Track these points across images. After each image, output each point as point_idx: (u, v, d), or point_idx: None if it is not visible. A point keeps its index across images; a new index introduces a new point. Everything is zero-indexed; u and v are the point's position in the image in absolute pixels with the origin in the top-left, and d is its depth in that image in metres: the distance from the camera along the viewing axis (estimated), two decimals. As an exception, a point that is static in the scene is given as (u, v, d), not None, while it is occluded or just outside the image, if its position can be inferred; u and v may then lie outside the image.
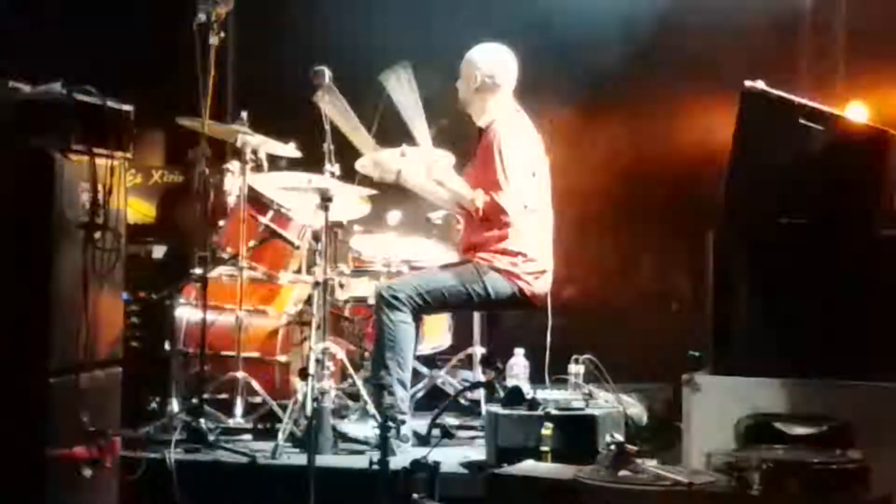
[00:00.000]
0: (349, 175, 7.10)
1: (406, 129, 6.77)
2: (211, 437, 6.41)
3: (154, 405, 7.06)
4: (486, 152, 6.70)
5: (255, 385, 6.81)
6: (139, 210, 8.71)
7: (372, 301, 6.97)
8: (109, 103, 5.36)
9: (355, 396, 6.95)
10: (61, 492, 5.13)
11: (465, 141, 7.04)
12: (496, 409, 6.13)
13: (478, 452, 6.31)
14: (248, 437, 6.72)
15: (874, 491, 4.93)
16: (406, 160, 6.69)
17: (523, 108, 6.91)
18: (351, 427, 6.62)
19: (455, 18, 8.06)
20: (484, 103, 6.86)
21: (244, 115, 7.01)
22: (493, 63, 6.86)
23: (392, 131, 6.88)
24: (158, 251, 8.55)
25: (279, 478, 6.09)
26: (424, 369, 7.36)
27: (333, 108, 6.71)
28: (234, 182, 7.12)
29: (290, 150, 7.18)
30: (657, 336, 7.95)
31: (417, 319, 6.70)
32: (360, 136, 6.85)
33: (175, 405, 6.82)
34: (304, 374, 6.33)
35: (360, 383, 6.85)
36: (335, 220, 7.11)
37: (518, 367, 6.55)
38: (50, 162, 5.08)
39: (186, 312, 7.03)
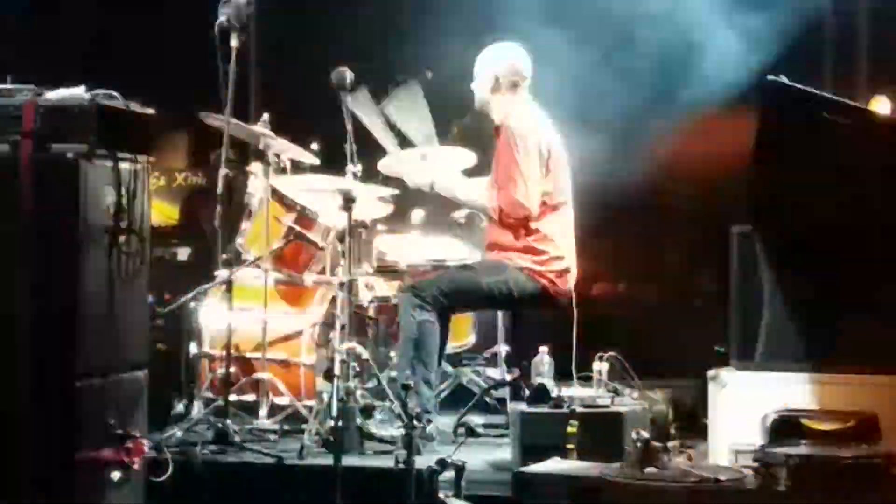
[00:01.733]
0: (373, 174, 7.12)
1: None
2: (237, 439, 6.41)
3: (180, 407, 7.08)
4: (502, 151, 6.70)
5: (281, 386, 6.81)
6: (163, 213, 8.73)
7: (395, 301, 6.97)
8: (132, 107, 5.38)
9: (381, 396, 6.95)
10: (89, 494, 5.16)
11: (489, 140, 7.05)
12: (521, 407, 6.13)
13: (504, 451, 6.30)
14: (274, 438, 6.73)
15: (901, 485, 4.93)
16: (430, 165, 6.75)
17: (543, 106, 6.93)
18: (377, 427, 6.62)
19: (472, 18, 8.05)
20: (500, 102, 6.86)
21: (266, 116, 7.02)
22: (504, 61, 6.87)
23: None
24: (183, 254, 8.57)
25: (306, 478, 6.09)
26: (449, 368, 7.36)
27: (359, 108, 6.74)
28: (257, 184, 7.12)
29: (312, 156, 7.19)
30: (683, 332, 7.94)
31: (443, 318, 6.70)
32: (385, 136, 6.88)
33: (201, 407, 6.83)
34: (329, 374, 6.33)
35: (385, 383, 6.85)
36: (358, 218, 7.11)
37: (543, 364, 6.55)
38: (74, 167, 5.10)
39: (211, 315, 7.04)
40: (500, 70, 6.86)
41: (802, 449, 5.01)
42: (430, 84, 7.72)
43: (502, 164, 6.72)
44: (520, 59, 6.88)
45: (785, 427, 5.35)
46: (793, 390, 5.63)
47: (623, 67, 7.93)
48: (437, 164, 6.92)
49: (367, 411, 6.56)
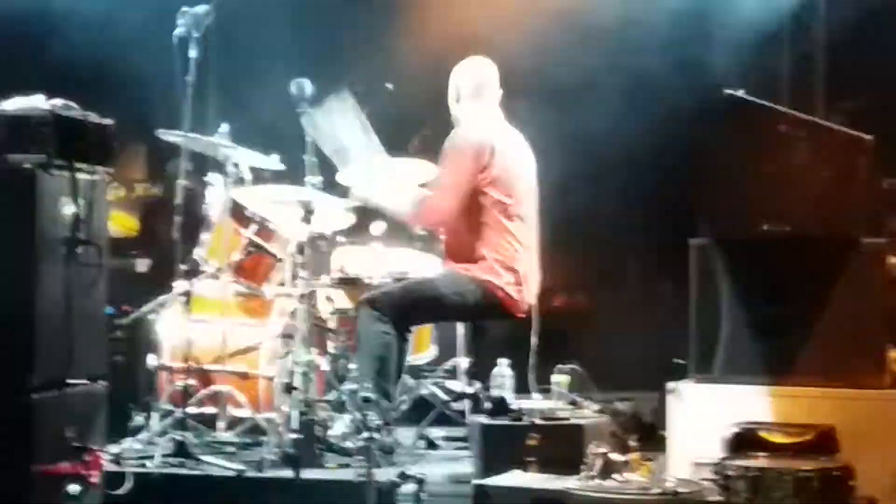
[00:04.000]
0: (333, 187, 7.11)
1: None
2: (196, 451, 6.38)
3: (138, 420, 7.04)
4: (442, 159, 6.73)
5: (240, 398, 6.79)
6: (122, 223, 8.69)
7: (355, 313, 6.96)
8: (90, 118, 5.35)
9: (340, 408, 6.94)
10: (47, 508, 5.13)
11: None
12: (481, 419, 6.12)
13: (464, 464, 6.30)
14: (233, 450, 6.70)
15: (859, 496, 4.95)
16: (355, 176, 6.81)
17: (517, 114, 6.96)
18: (336, 439, 6.61)
19: (436, 31, 8.07)
20: (461, 112, 6.88)
21: (225, 127, 7.00)
22: (466, 73, 6.89)
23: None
24: (142, 265, 8.53)
25: (266, 491, 6.07)
26: (409, 380, 7.35)
27: (324, 121, 6.74)
28: (216, 195, 7.10)
29: (272, 161, 7.17)
30: (642, 345, 7.96)
31: (402, 331, 6.69)
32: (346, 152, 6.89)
33: (159, 419, 6.79)
34: (288, 387, 6.32)
35: (344, 395, 6.84)
36: (319, 231, 7.10)
37: (503, 377, 6.55)
38: (31, 178, 5.07)
39: (170, 326, 7.01)
40: (462, 81, 6.89)
41: (761, 461, 5.03)
42: (391, 97, 7.74)
43: (441, 172, 6.75)
44: (481, 71, 6.89)
45: (744, 440, 5.36)
46: (751, 403, 5.65)
47: (584, 78, 7.96)
48: (374, 176, 6.91)
49: (327, 424, 6.55)
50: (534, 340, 6.69)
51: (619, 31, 8.01)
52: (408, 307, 6.63)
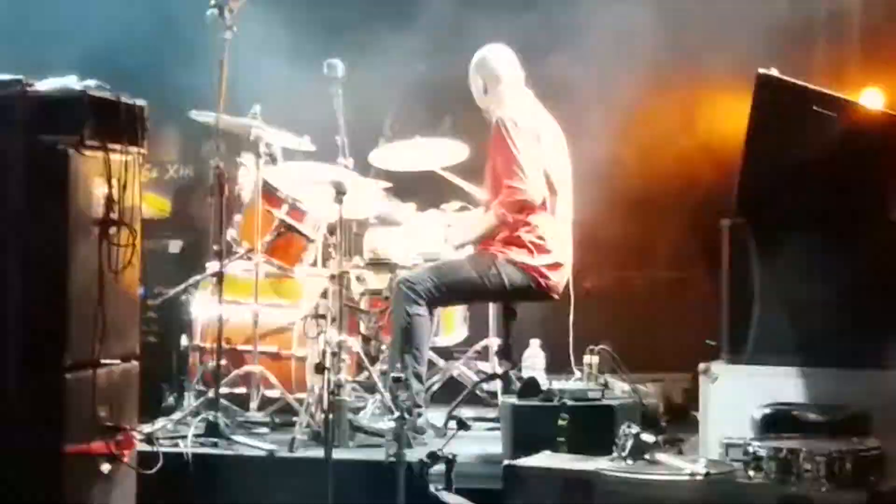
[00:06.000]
0: (364, 169, 7.13)
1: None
2: (228, 431, 6.41)
3: (171, 400, 7.08)
4: (497, 143, 6.70)
5: (272, 379, 6.82)
6: (154, 205, 8.71)
7: (387, 294, 6.97)
8: (123, 98, 5.36)
9: (371, 389, 6.95)
10: (79, 486, 5.15)
11: (482, 136, 7.05)
12: (512, 400, 6.12)
13: (494, 444, 6.30)
14: (265, 430, 6.73)
15: (891, 478, 4.93)
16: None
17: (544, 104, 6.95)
18: (367, 420, 6.63)
19: (464, 15, 8.04)
20: (494, 102, 6.89)
21: (257, 108, 7.02)
22: (489, 63, 6.93)
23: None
24: (174, 246, 8.56)
25: (296, 471, 6.10)
26: (441, 361, 7.35)
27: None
28: (248, 176, 7.11)
29: (304, 142, 7.19)
30: (674, 326, 7.93)
31: (433, 312, 6.71)
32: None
33: (192, 399, 6.83)
34: (320, 368, 6.33)
35: (376, 376, 6.86)
36: (352, 216, 7.11)
37: (534, 358, 6.55)
38: (65, 158, 5.09)
39: (203, 307, 7.04)
40: (484, 73, 6.94)
41: (792, 442, 5.01)
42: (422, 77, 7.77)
43: (501, 157, 6.71)
44: (500, 59, 6.92)
45: (775, 420, 5.34)
46: (783, 384, 5.63)
47: (610, 57, 7.93)
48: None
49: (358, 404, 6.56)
50: (571, 319, 6.69)
51: (653, 8, 7.97)
52: (442, 288, 6.64)
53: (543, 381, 6.14)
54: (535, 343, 6.63)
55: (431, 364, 6.99)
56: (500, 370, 7.17)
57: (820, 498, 4.76)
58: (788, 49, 7.43)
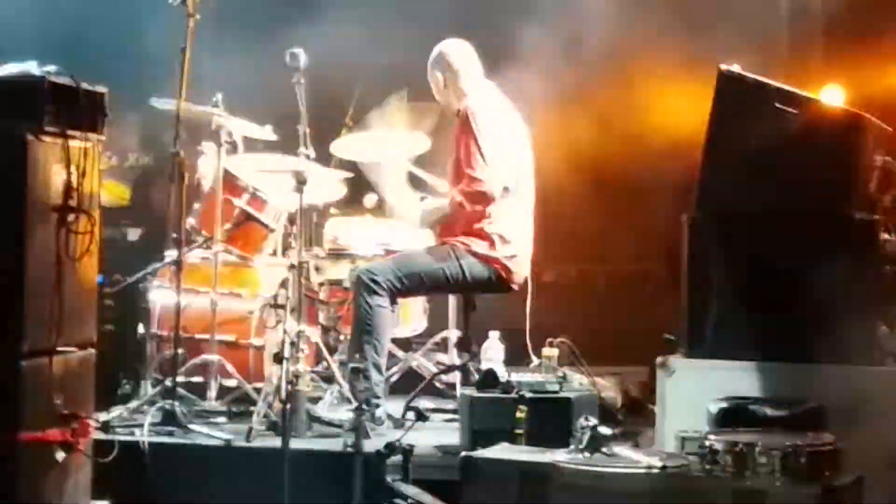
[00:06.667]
0: (324, 159, 7.11)
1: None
2: (185, 420, 6.39)
3: (128, 388, 7.06)
4: (462, 135, 6.70)
5: (230, 368, 6.80)
6: (114, 192, 8.67)
7: (347, 284, 6.96)
8: (83, 85, 5.33)
9: (330, 380, 6.95)
10: (34, 475, 5.12)
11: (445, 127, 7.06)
12: (471, 391, 6.13)
13: (452, 435, 6.31)
14: (222, 419, 6.71)
15: (846, 473, 4.95)
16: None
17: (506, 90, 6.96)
18: (325, 410, 6.62)
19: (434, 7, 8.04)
20: (455, 96, 6.89)
21: (219, 96, 6.99)
22: (446, 58, 6.93)
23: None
24: (133, 234, 8.53)
25: (253, 461, 6.09)
26: (400, 352, 7.35)
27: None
28: (209, 164, 7.09)
29: (265, 132, 7.17)
30: (633, 319, 7.96)
31: (394, 303, 6.71)
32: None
33: (149, 388, 6.81)
34: (278, 357, 6.32)
35: (334, 367, 6.85)
36: (312, 202, 7.10)
37: (493, 350, 6.56)
38: (23, 144, 5.05)
39: (161, 295, 7.02)
40: (441, 68, 6.93)
41: (749, 436, 5.03)
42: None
43: (464, 146, 6.70)
44: (457, 51, 6.93)
45: (731, 414, 5.37)
46: (740, 378, 5.65)
47: (572, 50, 7.94)
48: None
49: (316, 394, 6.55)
50: (528, 312, 6.70)
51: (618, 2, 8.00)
52: (403, 279, 6.63)
53: (502, 373, 6.14)
54: (494, 335, 6.64)
55: (391, 355, 6.99)
56: (458, 362, 7.18)
57: (774, 492, 4.78)
58: (751, 46, 7.45)
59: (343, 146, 7.47)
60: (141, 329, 7.05)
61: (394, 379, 7.23)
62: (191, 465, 6.09)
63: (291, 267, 6.61)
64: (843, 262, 5.70)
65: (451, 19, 7.74)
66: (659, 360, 5.90)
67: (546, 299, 6.96)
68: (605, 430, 5.17)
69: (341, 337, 7.16)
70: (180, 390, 6.60)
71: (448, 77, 6.91)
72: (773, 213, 5.84)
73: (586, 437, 5.11)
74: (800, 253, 5.75)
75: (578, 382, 6.26)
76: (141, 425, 6.22)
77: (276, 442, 5.92)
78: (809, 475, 4.82)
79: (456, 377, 7.14)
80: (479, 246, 6.67)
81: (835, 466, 4.92)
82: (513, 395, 5.95)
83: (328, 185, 7.16)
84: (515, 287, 6.76)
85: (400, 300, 6.87)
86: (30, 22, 8.07)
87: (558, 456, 5.12)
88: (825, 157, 5.83)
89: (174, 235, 6.82)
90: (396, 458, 5.48)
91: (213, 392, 6.82)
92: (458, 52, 6.94)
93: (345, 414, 6.41)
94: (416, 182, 7.31)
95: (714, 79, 5.95)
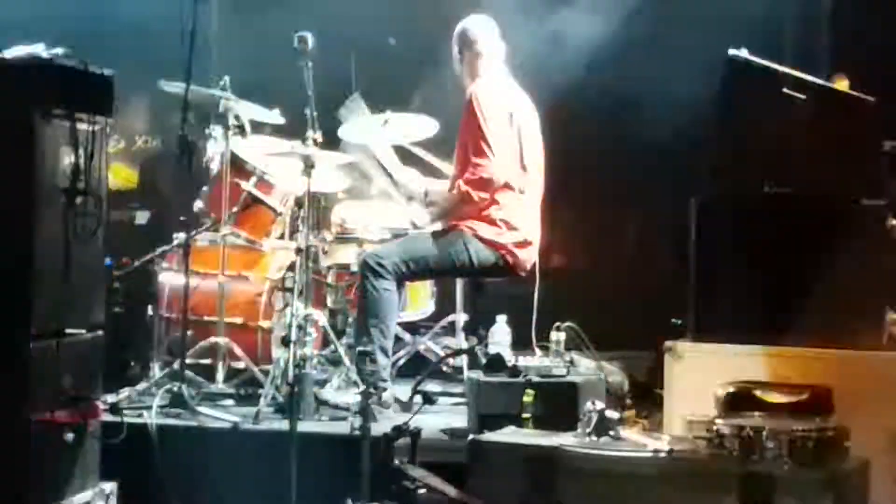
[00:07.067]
0: (334, 142, 7.12)
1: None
2: (192, 402, 6.40)
3: (136, 370, 7.07)
4: (468, 121, 6.69)
5: (238, 350, 6.82)
6: (122, 176, 8.68)
7: (355, 268, 6.97)
8: (91, 67, 5.33)
9: (337, 363, 6.96)
10: (43, 456, 5.14)
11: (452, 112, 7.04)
12: (478, 375, 6.14)
13: (460, 419, 6.32)
14: (229, 402, 6.73)
15: (853, 457, 4.96)
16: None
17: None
18: (333, 394, 6.63)
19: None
20: (469, 74, 6.87)
21: (227, 79, 6.99)
22: (468, 33, 6.89)
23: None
24: (142, 217, 8.53)
25: (261, 443, 6.10)
26: (407, 336, 7.36)
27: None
28: (217, 148, 7.10)
29: (273, 115, 7.17)
30: (640, 303, 7.96)
31: (401, 287, 6.71)
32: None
33: (157, 370, 6.82)
34: (285, 341, 6.33)
35: (342, 350, 6.86)
36: (319, 190, 7.10)
37: (500, 334, 6.56)
38: (31, 126, 5.06)
39: (169, 278, 7.03)
40: (463, 42, 6.90)
41: (755, 421, 5.04)
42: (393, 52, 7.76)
43: (471, 132, 6.69)
44: (480, 31, 6.88)
45: (738, 399, 5.37)
46: (747, 363, 5.66)
47: (580, 37, 7.92)
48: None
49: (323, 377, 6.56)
50: (536, 297, 6.70)
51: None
52: (410, 263, 6.63)
53: (509, 357, 6.15)
54: (501, 319, 6.64)
55: (398, 339, 7.00)
56: (466, 345, 7.19)
57: (781, 476, 4.78)
58: (758, 32, 7.44)
59: (350, 130, 7.47)
60: (149, 311, 7.07)
61: (401, 362, 7.25)
62: (198, 448, 6.10)
63: (299, 250, 6.61)
64: (851, 247, 5.71)
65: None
66: (666, 344, 5.90)
67: (553, 285, 6.95)
68: (612, 414, 5.18)
69: (348, 320, 7.17)
70: (188, 373, 6.61)
71: (466, 55, 6.87)
72: (780, 197, 5.84)
73: (593, 421, 5.13)
74: (807, 238, 5.75)
75: (585, 367, 6.27)
76: (149, 407, 6.24)
77: (283, 425, 5.94)
78: (816, 460, 4.83)
79: (463, 361, 7.15)
80: (487, 231, 6.66)
81: (841, 451, 4.93)
82: (520, 379, 5.95)
83: (336, 174, 7.16)
84: (523, 273, 6.75)
85: (407, 284, 6.89)
86: (38, 4, 8.05)
87: (565, 440, 5.14)
88: (833, 142, 5.82)
89: (182, 218, 6.83)
90: (404, 441, 5.48)
91: (220, 374, 6.83)
92: (481, 30, 6.89)
93: (352, 397, 6.42)
94: (419, 164, 7.31)
95: (723, 64, 5.95)
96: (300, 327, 6.37)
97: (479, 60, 6.85)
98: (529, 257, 6.75)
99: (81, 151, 5.25)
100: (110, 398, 6.25)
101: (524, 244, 6.72)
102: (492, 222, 6.66)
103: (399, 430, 5.46)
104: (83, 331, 5.38)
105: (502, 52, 6.90)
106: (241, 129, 7.09)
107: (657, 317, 6.63)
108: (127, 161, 8.85)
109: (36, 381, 5.10)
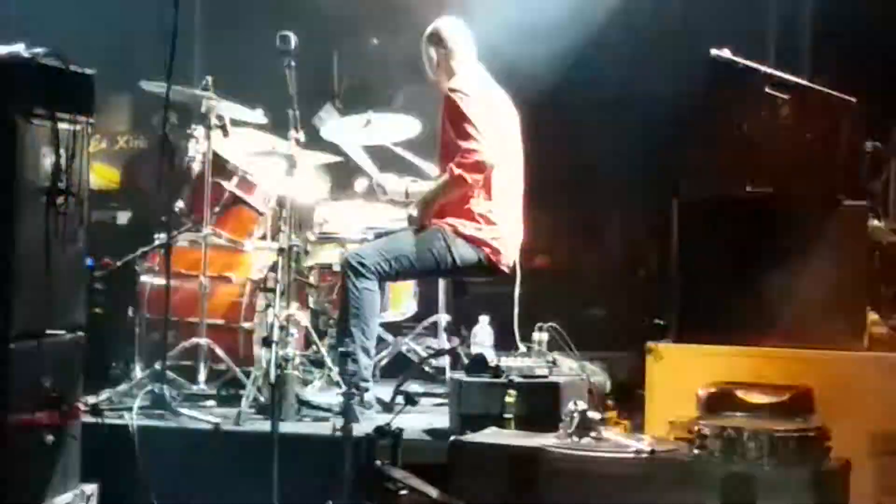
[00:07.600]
0: (316, 141, 7.11)
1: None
2: (174, 404, 6.38)
3: (117, 371, 7.05)
4: (450, 117, 6.68)
5: (219, 351, 6.80)
6: (104, 176, 8.66)
7: (337, 268, 6.96)
8: (73, 67, 5.31)
9: (319, 364, 6.95)
10: (23, 458, 5.12)
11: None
12: (460, 376, 6.13)
13: (442, 419, 6.31)
14: (211, 403, 6.71)
15: (834, 457, 4.97)
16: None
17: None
18: (314, 394, 6.62)
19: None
20: (446, 74, 6.87)
21: (209, 79, 6.97)
22: (440, 32, 6.90)
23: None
24: (123, 217, 8.52)
25: (242, 444, 6.09)
26: (389, 336, 7.36)
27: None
28: (199, 147, 7.08)
29: (255, 115, 7.16)
30: (623, 304, 7.97)
31: (383, 286, 6.71)
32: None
33: (138, 371, 6.80)
34: (267, 341, 6.31)
35: (324, 350, 6.85)
36: (301, 188, 7.08)
37: (483, 334, 6.56)
38: (12, 126, 5.04)
39: (150, 278, 7.01)
40: (435, 46, 6.90)
41: (737, 421, 5.05)
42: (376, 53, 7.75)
43: (454, 126, 6.68)
44: (452, 32, 6.89)
45: (720, 399, 5.38)
46: (729, 363, 5.67)
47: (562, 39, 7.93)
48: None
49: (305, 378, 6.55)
50: (516, 297, 6.70)
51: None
52: (392, 263, 6.62)
53: (491, 358, 6.14)
54: (483, 319, 6.64)
55: (380, 339, 6.99)
56: (448, 346, 7.19)
57: (763, 476, 4.80)
58: (740, 32, 7.45)
59: (333, 130, 7.46)
60: (130, 312, 7.04)
61: (383, 363, 7.24)
62: (180, 449, 6.07)
63: (281, 251, 6.60)
64: (832, 248, 5.72)
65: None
66: (648, 345, 5.90)
67: (534, 284, 6.95)
68: (593, 415, 5.18)
69: (331, 321, 7.16)
70: (169, 374, 6.59)
71: (441, 54, 6.88)
72: (762, 198, 5.84)
73: (575, 422, 5.13)
74: (789, 238, 5.76)
75: (568, 367, 6.27)
76: (130, 408, 6.21)
77: (265, 425, 5.92)
78: (797, 460, 4.84)
79: (445, 361, 7.15)
80: (467, 227, 6.66)
81: (823, 451, 4.94)
82: (502, 379, 5.95)
83: (316, 181, 7.18)
84: (505, 270, 6.74)
85: (389, 284, 6.88)
86: (18, 3, 8.03)
87: (547, 440, 5.14)
88: (815, 142, 5.83)
89: (164, 219, 6.81)
90: (386, 442, 5.48)
91: (202, 375, 6.81)
92: (453, 30, 6.91)
93: (334, 398, 6.42)
94: (401, 164, 7.31)
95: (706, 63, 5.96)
96: (282, 328, 6.36)
97: (452, 58, 6.86)
98: (511, 254, 6.74)
99: (62, 151, 5.23)
100: (91, 399, 6.23)
101: (504, 239, 6.70)
102: (471, 218, 6.65)
103: (381, 431, 5.45)
104: (64, 332, 5.35)
105: (474, 51, 6.91)
106: (223, 130, 7.06)
107: (639, 317, 6.63)
108: (108, 161, 8.83)
109: (17, 382, 5.08)
